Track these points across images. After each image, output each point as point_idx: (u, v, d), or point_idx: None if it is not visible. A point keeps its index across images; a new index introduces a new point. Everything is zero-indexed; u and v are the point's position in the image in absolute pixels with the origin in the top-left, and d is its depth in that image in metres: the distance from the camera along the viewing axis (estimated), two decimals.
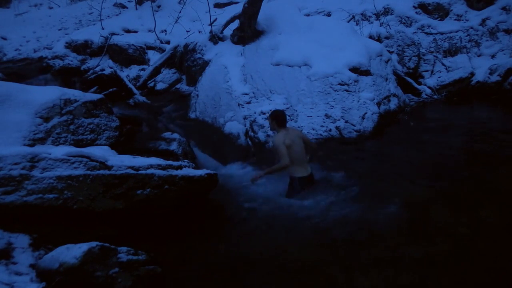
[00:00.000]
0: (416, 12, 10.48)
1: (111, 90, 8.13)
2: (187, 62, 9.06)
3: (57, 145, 4.33)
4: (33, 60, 10.41)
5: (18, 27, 12.61)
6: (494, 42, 9.18)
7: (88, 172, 3.70)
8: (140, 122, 6.61)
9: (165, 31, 11.28)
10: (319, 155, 5.04)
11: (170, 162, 4.27)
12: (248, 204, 4.48)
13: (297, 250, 3.61)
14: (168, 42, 10.46)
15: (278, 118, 4.54)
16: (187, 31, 10.78)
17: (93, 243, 2.94)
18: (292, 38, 7.45)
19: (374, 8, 10.57)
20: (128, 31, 11.07)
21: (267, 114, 6.34)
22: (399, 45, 8.99)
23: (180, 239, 3.88)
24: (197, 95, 7.48)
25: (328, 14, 11.11)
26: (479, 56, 9.12)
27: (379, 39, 9.05)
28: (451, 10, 10.39)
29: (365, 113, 6.40)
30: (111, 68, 8.64)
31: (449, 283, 3.02)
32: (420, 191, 4.45)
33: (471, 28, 9.56)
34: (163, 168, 4.08)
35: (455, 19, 10.18)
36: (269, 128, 6.16)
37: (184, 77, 9.33)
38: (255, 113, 6.47)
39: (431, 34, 9.78)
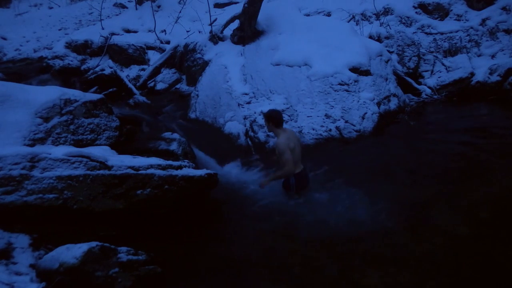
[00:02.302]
0: (416, 12, 10.48)
1: (111, 90, 8.13)
2: (187, 62, 9.06)
3: (57, 145, 4.33)
4: (33, 60, 10.42)
5: (18, 27, 12.61)
6: (494, 42, 9.17)
7: (88, 172, 3.70)
8: (140, 122, 6.61)
9: (165, 31, 11.28)
10: None
11: (170, 162, 4.27)
12: (248, 204, 4.49)
13: (297, 249, 3.61)
14: (168, 42, 10.46)
15: (274, 119, 4.38)
16: (187, 31, 10.78)
17: (93, 243, 2.94)
18: (292, 38, 7.45)
19: (374, 8, 10.57)
20: (128, 31, 11.07)
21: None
22: (399, 45, 8.99)
23: (180, 239, 3.88)
24: (197, 95, 7.48)
25: (328, 14, 11.11)
26: (479, 56, 9.11)
27: (379, 39, 9.05)
28: (451, 10, 10.39)
29: (365, 113, 6.40)
30: (111, 68, 8.63)
31: (449, 283, 3.02)
32: (420, 191, 4.45)
33: (471, 28, 9.56)
34: (163, 168, 4.08)
35: (455, 19, 10.18)
36: None
37: (184, 77, 9.33)
38: (255, 113, 6.47)
39: (431, 34, 9.78)
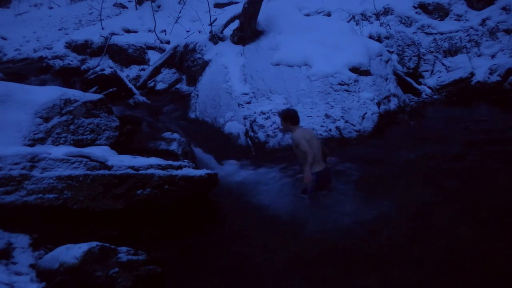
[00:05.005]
0: (416, 12, 10.47)
1: (111, 90, 8.14)
2: (187, 62, 9.06)
3: (57, 145, 4.33)
4: (33, 60, 10.41)
5: (18, 27, 12.61)
6: (494, 42, 9.17)
7: (88, 172, 3.70)
8: (140, 122, 6.60)
9: (165, 31, 11.28)
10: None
11: (170, 162, 4.27)
12: (248, 204, 4.49)
13: (297, 250, 3.61)
14: (168, 42, 10.46)
15: (291, 117, 4.51)
16: (187, 31, 10.77)
17: (93, 243, 2.94)
18: (292, 38, 7.45)
19: (374, 8, 10.57)
20: (128, 31, 11.07)
21: (268, 114, 6.37)
22: (399, 45, 8.99)
23: (180, 239, 3.88)
24: (197, 95, 7.48)
25: (328, 14, 11.10)
26: (479, 56, 9.11)
27: (379, 39, 9.05)
28: (451, 10, 10.39)
29: (365, 113, 6.39)
30: (111, 68, 8.64)
31: (449, 283, 3.02)
32: (420, 191, 4.45)
33: (471, 28, 9.56)
34: (163, 168, 4.08)
35: (455, 19, 10.17)
36: (269, 129, 6.18)
37: (184, 77, 9.33)
38: (255, 113, 6.47)
39: (431, 34, 9.78)
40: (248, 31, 7.93)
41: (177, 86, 9.20)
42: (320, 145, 4.52)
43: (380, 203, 4.18)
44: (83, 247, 2.89)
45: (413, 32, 9.80)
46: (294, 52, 7.11)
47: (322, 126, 6.19)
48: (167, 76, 9.40)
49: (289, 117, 4.51)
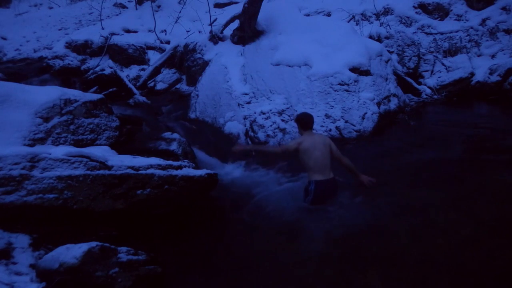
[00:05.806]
0: (416, 12, 10.49)
1: (111, 90, 8.14)
2: (187, 62, 9.07)
3: (57, 145, 4.33)
4: (33, 60, 10.41)
5: (18, 27, 12.61)
6: (494, 42, 9.19)
7: (88, 172, 3.70)
8: (140, 122, 6.61)
9: (165, 31, 11.29)
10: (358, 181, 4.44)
11: (170, 162, 4.27)
12: (248, 204, 4.49)
13: (297, 250, 3.61)
14: (168, 42, 10.46)
15: (301, 121, 4.48)
16: (187, 31, 10.78)
17: (93, 243, 2.94)
18: (292, 38, 7.45)
19: (374, 8, 10.58)
20: (128, 31, 11.09)
21: (268, 114, 6.38)
22: (399, 45, 9.00)
23: (180, 239, 3.88)
24: (197, 95, 7.48)
25: (328, 14, 11.12)
26: (479, 56, 9.13)
27: (379, 39, 9.05)
28: (451, 10, 10.40)
29: (365, 113, 6.40)
30: (111, 68, 8.63)
31: (449, 283, 3.02)
32: (420, 191, 4.45)
33: (471, 28, 9.57)
34: (163, 168, 4.08)
35: (455, 19, 10.19)
36: (269, 129, 6.19)
37: (184, 77, 9.34)
38: (255, 113, 6.47)
39: (431, 34, 9.80)
40: (248, 31, 7.93)
41: (177, 86, 9.21)
42: (326, 155, 4.27)
43: (380, 204, 4.18)
44: (83, 247, 2.89)
45: (413, 32, 9.81)
46: (294, 52, 7.11)
47: (322, 126, 6.20)
48: (167, 76, 9.41)
49: (300, 121, 4.49)
